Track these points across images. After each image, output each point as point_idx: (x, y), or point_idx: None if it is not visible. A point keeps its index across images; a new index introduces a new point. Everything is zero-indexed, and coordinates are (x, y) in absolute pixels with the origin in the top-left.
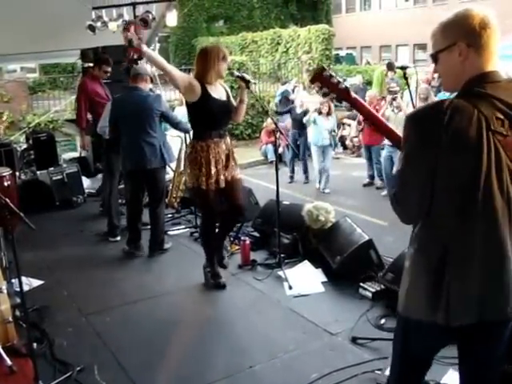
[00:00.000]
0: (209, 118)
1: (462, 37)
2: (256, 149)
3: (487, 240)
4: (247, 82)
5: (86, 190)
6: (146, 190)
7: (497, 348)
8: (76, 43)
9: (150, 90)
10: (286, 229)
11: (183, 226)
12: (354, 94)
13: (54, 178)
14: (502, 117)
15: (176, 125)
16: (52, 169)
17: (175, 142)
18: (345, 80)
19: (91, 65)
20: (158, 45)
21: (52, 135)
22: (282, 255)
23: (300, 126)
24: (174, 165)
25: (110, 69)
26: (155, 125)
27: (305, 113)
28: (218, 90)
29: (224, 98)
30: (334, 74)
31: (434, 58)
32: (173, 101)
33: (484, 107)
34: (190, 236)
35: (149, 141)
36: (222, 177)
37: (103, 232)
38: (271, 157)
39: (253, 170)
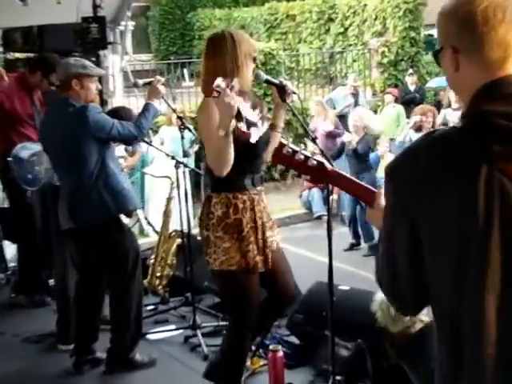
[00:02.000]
0: (249, 153)
1: (448, 37)
2: (293, 196)
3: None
4: (284, 92)
5: (11, 264)
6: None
7: None
8: None
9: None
10: (344, 332)
11: (173, 327)
12: (330, 167)
13: None
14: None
15: (129, 138)
16: None
17: (161, 185)
18: (314, 154)
19: (24, 56)
20: (131, 23)
21: None
22: (339, 377)
23: (360, 163)
24: (158, 224)
25: None
26: (82, 158)
27: (368, 148)
28: (248, 106)
29: (259, 118)
30: (297, 148)
31: (436, 61)
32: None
33: (481, 132)
34: (184, 342)
35: (74, 184)
36: (268, 250)
37: (42, 334)
38: (318, 209)
39: (289, 231)
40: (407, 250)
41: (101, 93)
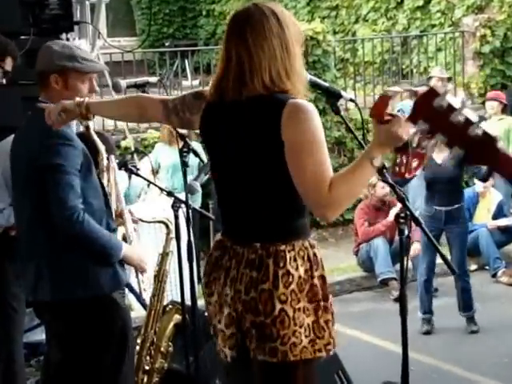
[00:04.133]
0: None
1: None
2: (346, 251)
3: None
4: (336, 101)
5: None
6: None
7: None
8: None
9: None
10: None
11: None
12: (501, 144)
13: None
14: None
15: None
16: None
17: (152, 233)
18: (482, 118)
19: None
20: None
21: None
22: None
23: (454, 192)
24: (147, 292)
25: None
26: (43, 199)
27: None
28: None
29: None
30: (456, 103)
31: None
32: (144, 132)
33: None
34: None
35: (30, 237)
36: None
37: None
38: (383, 270)
39: (340, 304)
40: None
41: None
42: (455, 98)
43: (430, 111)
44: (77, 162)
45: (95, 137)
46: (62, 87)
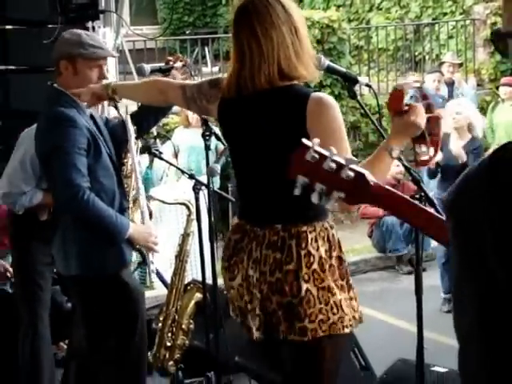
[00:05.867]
0: None
1: None
2: (361, 233)
3: None
4: (353, 85)
5: None
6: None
7: None
8: None
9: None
10: None
11: None
12: (374, 182)
13: None
14: None
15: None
16: None
17: (172, 215)
18: (351, 161)
19: None
20: None
21: None
22: None
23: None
24: (168, 272)
25: None
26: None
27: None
28: None
29: None
30: (327, 152)
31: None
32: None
33: None
34: None
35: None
36: None
37: None
38: (397, 246)
39: (356, 284)
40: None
41: None
42: (323, 148)
43: (306, 164)
44: (80, 141)
45: (124, 115)
46: (71, 73)
